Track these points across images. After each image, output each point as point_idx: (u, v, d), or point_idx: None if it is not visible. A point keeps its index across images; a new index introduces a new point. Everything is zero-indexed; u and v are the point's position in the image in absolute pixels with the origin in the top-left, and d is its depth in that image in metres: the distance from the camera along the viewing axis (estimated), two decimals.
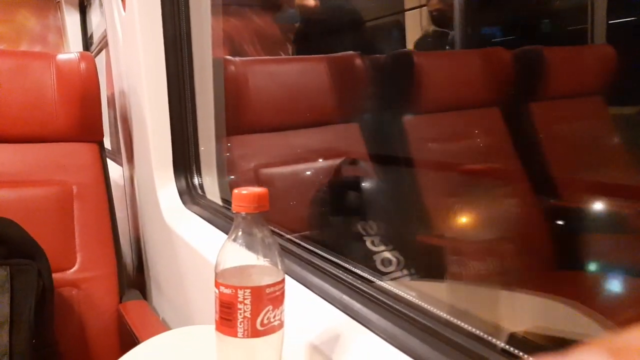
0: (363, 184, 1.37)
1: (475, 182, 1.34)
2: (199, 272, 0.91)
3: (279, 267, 0.49)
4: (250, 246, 0.49)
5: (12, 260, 0.92)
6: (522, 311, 0.69)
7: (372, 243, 1.24)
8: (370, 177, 1.42)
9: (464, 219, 1.25)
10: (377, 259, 1.21)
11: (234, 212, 0.49)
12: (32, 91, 1.19)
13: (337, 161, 1.40)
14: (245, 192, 0.48)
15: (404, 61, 1.50)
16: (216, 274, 0.49)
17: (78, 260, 1.13)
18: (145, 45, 1.14)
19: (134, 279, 1.39)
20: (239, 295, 0.46)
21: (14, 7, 2.66)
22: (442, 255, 1.18)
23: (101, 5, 1.59)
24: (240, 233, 0.49)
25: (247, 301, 0.46)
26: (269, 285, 0.47)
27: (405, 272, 1.21)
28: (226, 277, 0.48)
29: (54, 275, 1.01)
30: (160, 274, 1.25)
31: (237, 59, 1.37)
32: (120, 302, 1.15)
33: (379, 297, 0.57)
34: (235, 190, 0.49)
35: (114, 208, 1.23)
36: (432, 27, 1.65)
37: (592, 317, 0.67)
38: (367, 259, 1.20)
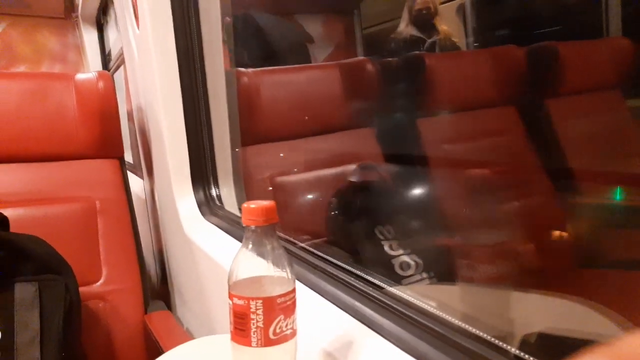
0: (379, 188, 1.38)
1: (493, 181, 1.33)
2: (219, 282, 0.93)
3: (289, 277, 0.50)
4: (261, 257, 0.50)
5: (40, 276, 0.95)
6: (537, 312, 0.69)
7: (390, 247, 1.24)
8: (386, 181, 1.43)
9: (481, 220, 1.24)
10: (396, 262, 1.21)
11: (244, 225, 0.50)
12: (54, 111, 1.23)
13: (353, 166, 1.41)
14: (254, 206, 0.50)
15: (417, 63, 1.51)
16: (229, 285, 0.50)
17: (103, 273, 1.16)
18: (160, 61, 1.17)
19: (158, 290, 1.43)
20: (252, 306, 0.48)
21: (34, 28, 2.75)
22: (460, 258, 1.18)
23: (117, 23, 1.64)
24: (250, 245, 0.50)
25: (260, 311, 0.48)
26: (280, 296, 0.49)
27: (424, 275, 1.21)
28: (239, 289, 0.50)
29: (80, 289, 1.04)
30: (182, 285, 1.27)
31: (249, 70, 1.39)
32: (146, 313, 1.18)
33: (390, 303, 0.58)
34: (245, 204, 0.50)
35: (136, 221, 1.26)
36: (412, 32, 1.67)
37: (609, 317, 0.67)
38: (385, 263, 1.21)
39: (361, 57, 1.51)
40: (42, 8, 2.71)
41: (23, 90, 1.22)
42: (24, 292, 0.92)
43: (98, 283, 1.15)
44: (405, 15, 1.62)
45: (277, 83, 1.42)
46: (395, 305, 0.58)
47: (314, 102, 1.44)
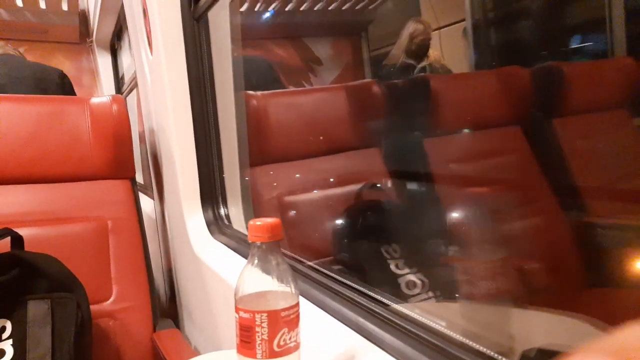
0: (385, 208, 1.40)
1: (497, 200, 1.34)
2: (227, 300, 0.94)
3: (293, 291, 0.52)
4: (266, 273, 0.52)
5: (53, 294, 0.97)
6: (538, 329, 0.70)
7: (397, 266, 1.25)
8: (392, 200, 1.45)
9: (487, 239, 1.25)
10: (402, 281, 1.23)
11: (250, 241, 0.52)
12: (69, 134, 1.27)
13: (359, 186, 1.43)
14: (260, 223, 0.52)
15: (422, 85, 1.54)
16: (236, 299, 0.52)
17: (114, 292, 1.19)
18: (172, 86, 1.21)
19: (167, 308, 1.44)
20: (257, 319, 0.50)
21: (50, 53, 2.84)
22: (465, 276, 1.19)
23: (131, 48, 1.69)
24: (256, 261, 0.52)
25: (264, 324, 0.50)
26: (284, 309, 0.51)
27: (430, 294, 1.22)
28: (245, 303, 0.51)
29: (91, 307, 1.06)
30: (191, 303, 1.29)
31: (258, 93, 1.43)
32: (155, 331, 1.19)
33: (392, 318, 0.59)
34: (250, 222, 0.52)
35: (146, 241, 1.29)
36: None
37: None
38: (391, 282, 1.22)
39: (367, 80, 1.54)
40: (59, 34, 2.80)
41: (40, 113, 1.27)
42: (37, 309, 0.94)
43: (108, 301, 1.17)
44: (402, 44, 1.72)
45: (285, 105, 1.46)
46: (397, 321, 0.59)
47: (321, 123, 1.47)
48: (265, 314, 0.50)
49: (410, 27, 1.74)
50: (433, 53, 1.73)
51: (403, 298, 1.16)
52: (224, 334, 1.01)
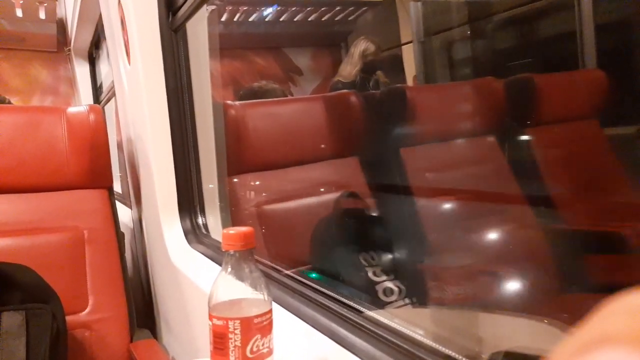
0: (362, 216, 1.41)
1: (474, 209, 1.37)
2: (204, 309, 0.95)
3: (266, 298, 0.53)
4: (239, 280, 0.54)
5: (27, 305, 0.97)
6: (506, 332, 0.72)
7: (374, 273, 1.27)
8: (370, 209, 1.47)
9: (462, 246, 1.28)
10: (379, 289, 1.24)
11: (223, 250, 0.53)
12: (45, 143, 1.26)
13: (337, 194, 1.44)
14: (233, 232, 0.53)
15: (397, 96, 1.57)
16: (209, 307, 0.53)
17: (90, 302, 1.18)
18: (149, 95, 1.22)
19: (144, 318, 1.43)
20: (230, 326, 0.51)
21: (26, 61, 2.81)
22: (440, 283, 1.21)
23: (109, 57, 1.69)
24: (230, 269, 0.53)
25: (237, 331, 0.51)
26: (257, 316, 0.52)
27: (407, 300, 1.23)
28: (218, 310, 0.52)
29: (67, 318, 1.05)
30: (168, 313, 1.29)
31: (237, 102, 1.44)
32: (131, 341, 1.19)
33: (364, 324, 0.61)
34: (224, 230, 0.54)
35: (123, 250, 1.28)
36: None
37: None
38: (369, 289, 1.23)
39: (345, 91, 1.56)
40: (36, 42, 2.78)
41: (16, 123, 1.26)
42: (11, 320, 0.93)
43: (84, 312, 1.16)
44: (354, 61, 1.79)
45: (263, 115, 1.47)
46: (369, 327, 0.61)
47: (299, 132, 1.48)
48: (238, 321, 0.51)
49: (362, 45, 1.81)
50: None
51: (380, 305, 1.18)
52: (201, 343, 1.01)
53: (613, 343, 0.11)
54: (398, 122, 1.55)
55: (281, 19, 2.52)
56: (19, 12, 2.43)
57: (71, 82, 2.81)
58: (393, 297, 1.23)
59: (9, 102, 2.00)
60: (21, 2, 2.40)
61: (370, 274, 1.27)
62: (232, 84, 2.16)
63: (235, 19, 2.50)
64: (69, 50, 2.69)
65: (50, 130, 1.28)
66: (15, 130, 1.25)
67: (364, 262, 1.29)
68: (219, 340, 0.51)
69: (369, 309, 0.68)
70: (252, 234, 0.54)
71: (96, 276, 1.20)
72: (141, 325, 1.29)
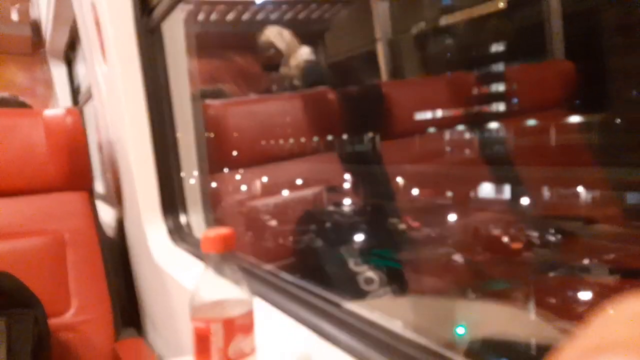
0: (343, 208, 1.43)
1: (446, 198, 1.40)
2: (183, 306, 0.96)
3: (247, 299, 0.55)
4: (220, 282, 0.55)
5: (8, 311, 0.97)
6: (483, 320, 0.75)
7: (355, 264, 1.29)
8: (350, 200, 1.48)
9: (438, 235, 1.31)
10: (360, 278, 1.26)
11: (203, 252, 0.54)
12: (22, 147, 1.25)
13: (319, 189, 1.46)
14: (213, 235, 0.54)
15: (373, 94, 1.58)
16: (191, 310, 0.54)
17: (73, 304, 1.18)
18: (127, 97, 1.21)
19: (130, 317, 1.44)
20: (212, 328, 0.52)
21: (2, 64, 2.75)
22: (417, 271, 1.24)
23: (85, 59, 1.67)
24: (210, 271, 0.54)
25: (219, 333, 0.52)
26: (238, 317, 0.53)
27: (386, 288, 1.26)
28: (200, 312, 0.54)
29: (50, 320, 1.06)
30: (154, 311, 1.29)
31: (216, 102, 1.44)
32: (117, 341, 1.19)
33: (344, 317, 0.63)
34: (204, 233, 0.54)
35: (106, 251, 1.28)
36: None
37: (548, 320, 0.73)
38: (351, 280, 1.26)
39: (322, 88, 1.57)
40: (10, 45, 2.72)
41: None
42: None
43: (68, 314, 1.16)
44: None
45: (243, 113, 1.48)
46: (349, 320, 0.62)
47: (279, 129, 1.49)
48: (220, 323, 0.52)
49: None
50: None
51: (362, 294, 1.20)
52: (187, 341, 1.02)
53: (613, 350, 0.11)
54: (372, 117, 1.57)
55: (257, 18, 2.51)
56: None
57: (48, 84, 2.77)
58: (374, 286, 1.25)
59: (22, 102, 1.94)
60: None
61: (351, 265, 1.29)
62: (212, 83, 2.16)
63: (211, 19, 2.48)
64: (45, 52, 2.65)
65: (27, 134, 1.27)
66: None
67: (345, 254, 1.31)
68: (201, 342, 0.52)
69: (351, 301, 0.70)
70: (233, 236, 0.55)
71: (78, 278, 1.20)
72: (127, 325, 1.30)
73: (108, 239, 1.41)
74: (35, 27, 2.60)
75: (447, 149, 1.53)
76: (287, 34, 1.77)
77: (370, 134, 1.54)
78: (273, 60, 1.71)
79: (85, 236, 1.25)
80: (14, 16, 2.47)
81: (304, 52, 1.70)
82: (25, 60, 2.78)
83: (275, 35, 1.75)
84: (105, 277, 1.24)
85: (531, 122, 1.41)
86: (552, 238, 1.12)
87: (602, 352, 0.11)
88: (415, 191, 1.46)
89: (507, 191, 1.28)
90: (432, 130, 1.55)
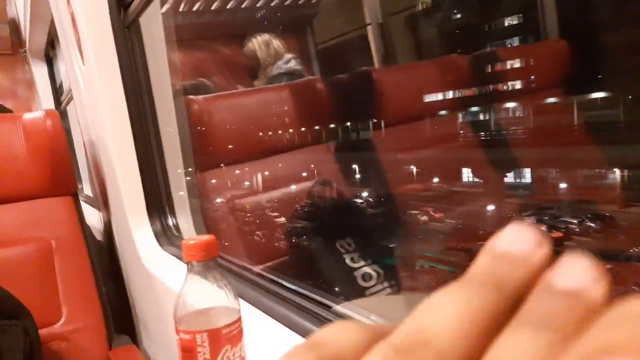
0: (337, 202, 1.41)
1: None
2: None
3: (235, 306, 0.52)
4: (204, 291, 0.52)
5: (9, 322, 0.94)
6: None
7: (352, 260, 1.27)
8: (343, 194, 1.46)
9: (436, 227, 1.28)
10: (358, 274, 1.24)
11: (185, 261, 0.52)
12: (2, 152, 1.21)
13: (311, 183, 1.43)
14: (193, 242, 0.51)
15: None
16: (175, 321, 0.51)
17: (64, 313, 1.15)
18: (107, 96, 1.17)
19: (123, 323, 1.41)
20: (197, 340, 0.49)
21: None
22: (416, 265, 1.22)
23: (64, 58, 1.63)
24: (193, 280, 0.52)
25: (206, 344, 0.49)
26: (225, 326, 0.50)
27: (385, 284, 1.24)
28: (184, 323, 0.51)
29: (40, 331, 1.03)
30: (146, 317, 1.26)
31: (199, 97, 1.40)
32: (110, 349, 1.17)
33: (334, 320, 0.60)
34: (184, 241, 0.52)
35: (94, 257, 1.25)
36: None
37: None
38: (347, 276, 1.23)
39: (310, 77, 1.54)
40: None
41: None
42: None
43: (59, 324, 1.13)
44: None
45: (228, 107, 1.44)
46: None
47: (267, 123, 1.46)
48: (206, 334, 0.49)
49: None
50: None
51: (359, 290, 1.18)
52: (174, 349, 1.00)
53: (616, 354, 0.11)
54: (364, 105, 1.54)
55: (243, 6, 2.46)
56: None
57: (30, 84, 2.71)
58: (372, 282, 1.23)
59: (1, 107, 1.89)
60: None
61: (348, 261, 1.26)
62: (196, 76, 2.11)
63: (195, 9, 2.43)
64: (25, 51, 2.59)
65: (6, 139, 1.23)
66: None
67: (340, 249, 1.28)
68: (188, 354, 0.50)
69: (347, 299, 0.67)
70: (215, 242, 0.52)
71: (68, 286, 1.17)
72: (120, 331, 1.27)
73: (98, 243, 1.38)
74: (14, 25, 2.54)
75: (460, 131, 1.49)
76: (276, 43, 1.75)
77: (363, 123, 1.51)
78: (253, 69, 1.71)
79: (73, 242, 1.22)
80: None
81: (284, 63, 1.68)
82: (6, 61, 2.72)
83: (260, 44, 1.74)
84: (95, 283, 1.21)
85: (550, 99, 1.37)
86: (590, 224, 1.07)
87: (605, 356, 0.11)
88: (431, 179, 1.42)
89: (526, 175, 1.26)
90: (432, 115, 1.52)
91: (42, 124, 1.24)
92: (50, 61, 2.61)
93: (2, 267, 1.12)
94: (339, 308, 0.63)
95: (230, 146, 1.38)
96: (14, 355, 0.94)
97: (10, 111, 1.89)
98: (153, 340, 1.23)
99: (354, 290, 1.21)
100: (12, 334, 0.96)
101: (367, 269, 1.25)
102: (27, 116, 1.27)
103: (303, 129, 1.50)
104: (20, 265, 1.15)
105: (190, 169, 1.26)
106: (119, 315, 1.42)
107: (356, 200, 1.47)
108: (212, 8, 2.49)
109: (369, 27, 1.94)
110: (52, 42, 2.41)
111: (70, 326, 1.14)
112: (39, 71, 2.60)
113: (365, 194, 1.49)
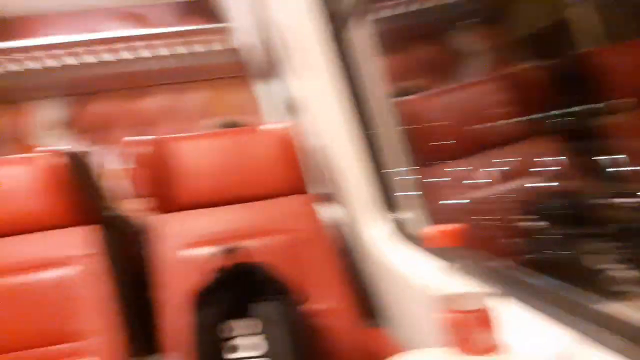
0: (574, 196, 1.29)
1: None
2: (416, 300, 1.01)
3: (482, 293, 0.56)
4: (460, 276, 0.57)
5: (276, 297, 1.13)
6: None
7: (600, 260, 1.14)
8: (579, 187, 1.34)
9: None
10: (606, 276, 1.12)
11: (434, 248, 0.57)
12: (258, 159, 1.46)
13: (539, 177, 1.36)
14: (443, 229, 0.56)
15: None
16: (441, 302, 0.57)
17: (318, 295, 1.31)
18: (330, 104, 1.34)
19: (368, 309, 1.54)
20: (469, 318, 0.55)
21: (219, 89, 3.20)
22: None
23: (285, 75, 1.86)
24: (449, 266, 0.57)
25: (476, 322, 0.54)
26: (472, 311, 0.55)
27: None
28: (450, 304, 0.56)
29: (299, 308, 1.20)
30: (390, 306, 1.37)
31: (414, 96, 1.47)
32: (361, 328, 1.30)
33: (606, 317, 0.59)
34: (434, 228, 0.57)
35: (335, 248, 1.40)
36: None
37: None
38: (594, 277, 1.12)
39: (525, 65, 1.48)
40: (222, 71, 3.15)
41: (239, 142, 1.49)
42: (269, 309, 1.10)
43: (316, 304, 1.29)
44: None
45: (443, 105, 1.48)
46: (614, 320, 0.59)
47: (483, 117, 1.45)
48: (460, 315, 0.54)
49: None
50: None
51: (607, 293, 1.08)
52: (417, 331, 1.07)
53: None
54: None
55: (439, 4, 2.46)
56: (198, 47, 2.84)
57: (257, 101, 3.12)
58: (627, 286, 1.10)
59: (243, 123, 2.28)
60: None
61: (595, 261, 1.15)
62: (402, 79, 2.19)
63: (395, 12, 2.51)
64: (250, 73, 2.99)
65: (252, 147, 1.48)
66: (233, 151, 1.48)
67: (587, 248, 1.17)
68: (457, 329, 0.55)
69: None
70: (462, 232, 0.56)
71: (317, 272, 1.33)
72: (367, 316, 1.40)
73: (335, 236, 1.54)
74: (238, 52, 2.97)
75: None
76: None
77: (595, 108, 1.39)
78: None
79: (315, 234, 1.39)
80: (217, 46, 2.89)
81: None
82: (237, 83, 3.18)
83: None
84: (338, 271, 1.35)
85: None
86: None
87: None
88: None
89: None
90: None
91: (275, 135, 1.46)
92: (274, 78, 2.96)
93: (267, 252, 1.33)
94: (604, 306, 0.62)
95: (448, 142, 1.41)
96: (294, 325, 1.12)
97: (245, 125, 2.23)
98: (394, 323, 1.33)
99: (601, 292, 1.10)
100: (287, 307, 1.14)
101: (620, 272, 1.12)
102: (264, 128, 1.53)
103: (520, 119, 1.46)
104: (279, 252, 1.35)
105: (412, 166, 1.34)
106: (365, 300, 1.55)
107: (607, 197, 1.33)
108: (410, 10, 2.53)
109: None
110: (272, 63, 2.75)
111: (323, 305, 1.29)
112: (264, 89, 2.97)
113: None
